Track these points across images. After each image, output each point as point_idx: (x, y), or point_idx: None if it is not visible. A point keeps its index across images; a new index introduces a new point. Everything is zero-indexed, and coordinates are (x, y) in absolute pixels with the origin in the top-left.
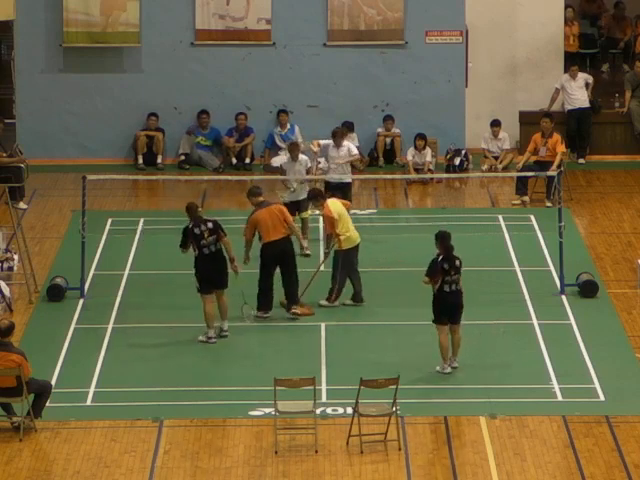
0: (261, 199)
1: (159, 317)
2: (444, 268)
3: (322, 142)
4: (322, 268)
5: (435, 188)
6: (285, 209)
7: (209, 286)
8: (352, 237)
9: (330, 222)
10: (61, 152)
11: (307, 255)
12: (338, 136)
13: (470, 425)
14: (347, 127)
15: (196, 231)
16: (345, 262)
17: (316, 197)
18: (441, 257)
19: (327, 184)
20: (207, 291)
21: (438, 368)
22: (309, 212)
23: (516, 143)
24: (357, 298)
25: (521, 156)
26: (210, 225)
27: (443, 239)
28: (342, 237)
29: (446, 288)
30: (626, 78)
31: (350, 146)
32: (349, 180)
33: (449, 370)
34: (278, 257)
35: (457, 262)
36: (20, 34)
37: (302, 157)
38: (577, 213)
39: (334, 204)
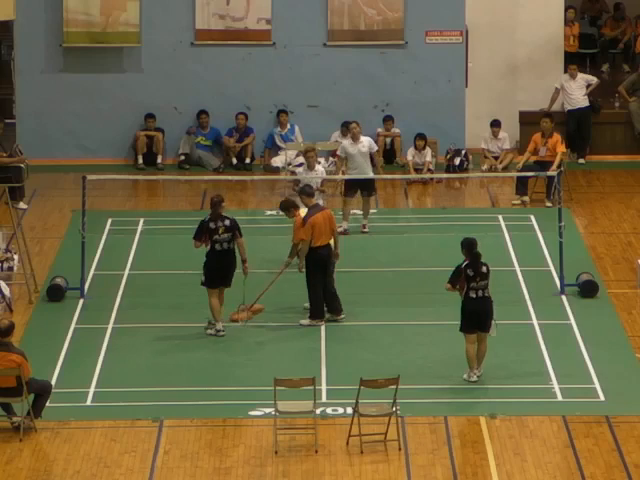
0: (315, 201)
1: (159, 317)
2: (468, 275)
3: (338, 152)
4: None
5: (435, 188)
6: (333, 216)
7: (215, 281)
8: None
9: (297, 230)
10: (61, 152)
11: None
12: (351, 130)
13: (470, 425)
14: (347, 127)
15: (211, 225)
16: None
17: (288, 208)
18: (465, 263)
19: (346, 183)
20: (212, 285)
21: (465, 376)
22: None
23: (516, 143)
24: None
25: (521, 156)
26: (227, 222)
27: (469, 246)
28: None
29: (472, 294)
30: (628, 79)
31: (370, 141)
32: (371, 176)
33: (475, 378)
34: (321, 263)
35: (484, 268)
36: (20, 34)
37: (319, 168)
38: (577, 213)
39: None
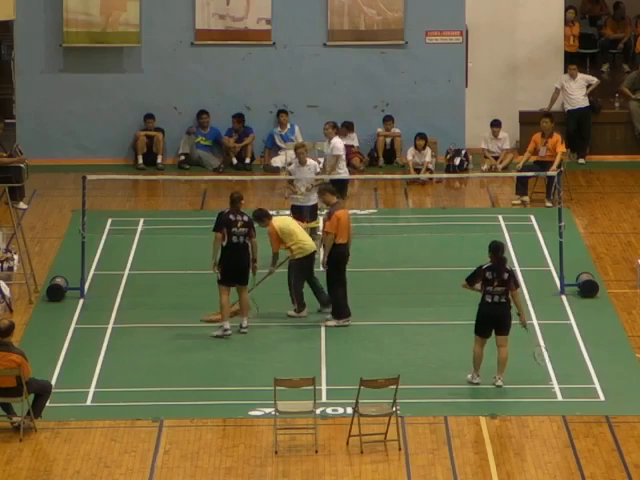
0: (335, 199)
1: (159, 317)
2: (486, 277)
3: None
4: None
5: (435, 188)
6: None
7: (230, 279)
8: (305, 247)
9: (274, 239)
10: (61, 152)
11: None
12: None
13: (470, 425)
14: (346, 127)
15: (231, 217)
16: (299, 272)
17: (261, 218)
18: (487, 265)
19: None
20: (226, 283)
21: (468, 376)
22: (317, 222)
23: (516, 143)
24: (324, 302)
25: (521, 156)
26: (245, 218)
27: (495, 250)
28: (294, 247)
29: (488, 299)
30: (629, 77)
31: (335, 143)
32: (340, 177)
33: (478, 380)
34: (342, 261)
35: (505, 275)
36: (20, 34)
37: (310, 162)
38: (577, 213)
39: (280, 221)
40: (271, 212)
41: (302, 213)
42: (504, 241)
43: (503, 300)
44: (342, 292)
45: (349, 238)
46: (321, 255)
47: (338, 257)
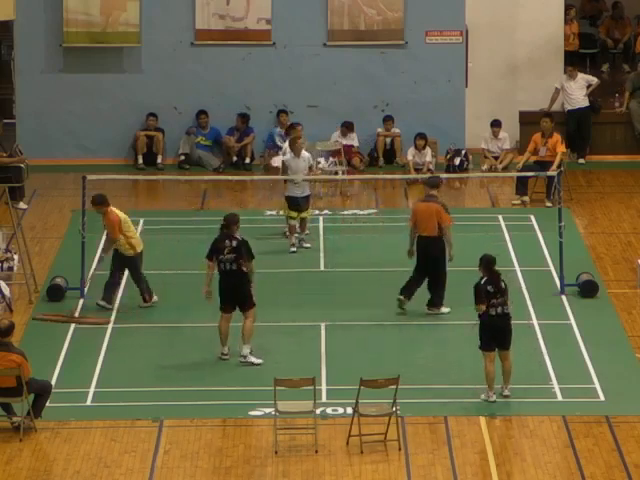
0: (432, 192)
1: (159, 317)
2: (488, 291)
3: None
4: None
5: None
6: (442, 210)
7: (223, 303)
8: (135, 245)
9: (116, 226)
10: (61, 152)
11: (307, 247)
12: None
13: (470, 425)
14: (346, 127)
15: (219, 245)
16: (135, 266)
17: (99, 203)
18: (484, 280)
19: None
20: (221, 308)
21: (483, 396)
22: (309, 212)
23: (516, 143)
24: (145, 299)
25: (521, 156)
26: (235, 243)
27: (487, 264)
28: (133, 240)
29: (492, 312)
30: (629, 78)
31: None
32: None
33: (494, 399)
34: (423, 254)
35: (502, 284)
36: (20, 34)
37: (304, 153)
38: (577, 213)
39: (121, 212)
40: (271, 212)
41: (298, 204)
42: (504, 241)
43: (506, 311)
44: (418, 280)
45: (446, 237)
46: None
47: (417, 249)
